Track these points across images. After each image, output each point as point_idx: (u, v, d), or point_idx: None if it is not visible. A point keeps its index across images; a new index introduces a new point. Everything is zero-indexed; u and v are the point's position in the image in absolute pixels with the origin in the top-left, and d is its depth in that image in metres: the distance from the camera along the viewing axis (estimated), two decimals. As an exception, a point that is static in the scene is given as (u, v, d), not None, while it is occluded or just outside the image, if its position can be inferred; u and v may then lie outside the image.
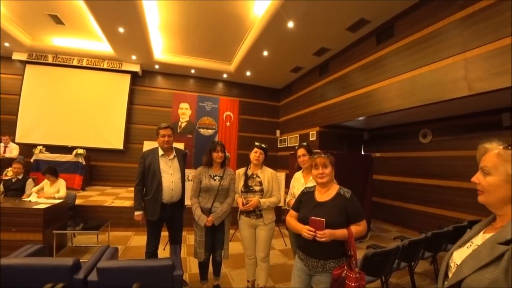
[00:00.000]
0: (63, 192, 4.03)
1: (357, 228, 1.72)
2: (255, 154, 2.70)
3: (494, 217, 0.96)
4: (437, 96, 3.71)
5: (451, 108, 4.34)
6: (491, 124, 4.34)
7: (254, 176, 2.72)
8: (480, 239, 0.94)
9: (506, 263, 0.75)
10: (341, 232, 1.67)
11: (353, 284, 1.52)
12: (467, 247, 0.97)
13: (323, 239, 1.62)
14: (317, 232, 1.64)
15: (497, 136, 4.22)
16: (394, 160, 6.17)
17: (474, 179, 0.96)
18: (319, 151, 5.27)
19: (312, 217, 1.69)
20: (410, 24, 4.30)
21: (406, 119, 5.49)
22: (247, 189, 2.68)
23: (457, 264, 0.93)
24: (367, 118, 5.31)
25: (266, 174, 2.72)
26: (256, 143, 2.75)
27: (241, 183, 2.72)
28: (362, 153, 7.21)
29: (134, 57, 7.45)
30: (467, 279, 0.83)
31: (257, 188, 2.66)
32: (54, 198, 3.89)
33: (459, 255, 0.96)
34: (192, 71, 8.32)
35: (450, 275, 0.95)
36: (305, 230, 1.69)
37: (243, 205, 2.59)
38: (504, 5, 3.01)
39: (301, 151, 2.79)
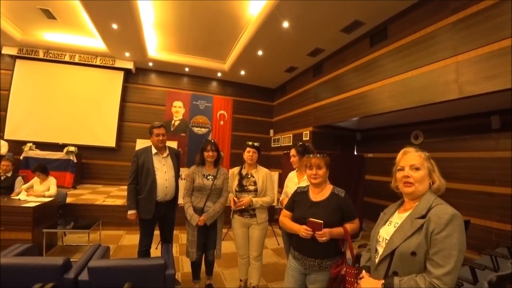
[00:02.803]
0: (53, 190, 3.97)
1: (351, 226, 1.76)
2: (248, 154, 2.71)
3: (402, 201, 1.32)
4: (429, 98, 3.77)
5: (442, 110, 4.41)
6: (480, 126, 4.42)
7: (249, 176, 2.73)
8: (397, 218, 1.28)
9: (425, 231, 1.10)
10: (337, 231, 1.70)
11: (353, 280, 1.53)
12: (388, 225, 1.30)
13: (323, 238, 1.65)
14: (316, 232, 1.66)
15: (487, 138, 4.32)
16: (386, 160, 6.23)
17: (407, 174, 1.25)
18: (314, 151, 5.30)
19: (310, 219, 1.70)
20: (403, 27, 4.35)
21: (398, 120, 5.55)
22: (242, 188, 2.68)
23: (385, 239, 1.25)
24: (360, 119, 5.36)
25: (261, 174, 2.73)
26: (249, 143, 2.75)
27: (236, 182, 2.72)
28: (355, 153, 7.28)
29: (127, 54, 7.36)
30: (399, 247, 1.16)
31: (251, 187, 2.67)
32: (44, 196, 3.83)
33: (384, 232, 1.29)
34: (186, 69, 8.27)
35: (379, 248, 1.28)
36: (303, 230, 1.71)
37: (234, 203, 2.59)
38: (495, 11, 3.07)
39: (292, 152, 2.81)
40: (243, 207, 2.60)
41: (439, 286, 1.02)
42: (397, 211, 1.32)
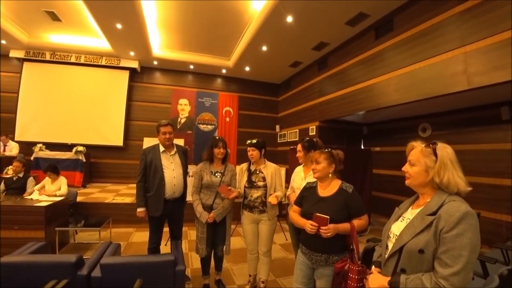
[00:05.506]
0: (64, 189, 4.04)
1: (359, 222, 1.75)
2: (248, 153, 2.74)
3: (417, 196, 1.29)
4: (436, 90, 3.71)
5: (450, 102, 4.34)
6: (490, 118, 4.34)
7: (258, 172, 2.74)
8: (409, 213, 1.26)
9: (434, 228, 1.06)
10: (344, 226, 1.70)
11: (355, 277, 1.54)
12: (401, 221, 1.27)
13: (328, 234, 1.65)
14: (321, 227, 1.67)
15: (496, 130, 4.23)
16: (393, 154, 6.19)
17: (403, 168, 1.27)
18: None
19: (317, 214, 1.71)
20: (409, 18, 4.28)
21: (405, 113, 5.49)
22: (251, 184, 2.70)
23: (396, 235, 1.22)
24: (366, 112, 5.31)
25: (270, 170, 2.74)
26: (247, 142, 2.78)
27: (245, 178, 2.74)
28: (362, 147, 7.23)
29: (132, 53, 7.41)
30: (407, 244, 1.12)
31: (260, 183, 2.69)
32: (55, 195, 3.91)
33: (396, 228, 1.26)
34: (191, 66, 8.29)
35: (389, 244, 1.26)
36: (308, 225, 1.72)
37: (224, 190, 2.63)
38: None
39: (298, 147, 2.82)
40: (233, 196, 2.66)
41: (445, 286, 0.98)
42: (411, 207, 1.29)
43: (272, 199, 2.56)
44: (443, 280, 0.99)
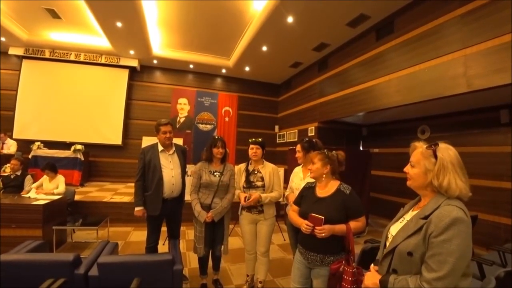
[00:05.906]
0: (62, 188, 4.03)
1: (356, 224, 1.75)
2: (251, 151, 2.73)
3: (420, 198, 1.27)
4: (436, 93, 3.72)
5: (450, 105, 4.35)
6: (489, 120, 4.35)
7: (256, 172, 2.73)
8: (409, 215, 1.25)
9: (424, 232, 1.06)
10: (340, 228, 1.70)
11: (350, 279, 1.54)
12: (400, 222, 1.27)
13: (322, 234, 1.66)
14: (316, 227, 1.68)
15: (496, 133, 4.24)
16: (392, 155, 6.20)
17: (405, 169, 1.27)
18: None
19: (312, 214, 1.72)
20: (410, 20, 4.28)
21: (404, 115, 5.49)
22: (249, 185, 2.69)
23: (392, 235, 1.24)
24: (366, 114, 5.32)
25: (268, 170, 2.74)
26: (250, 140, 2.78)
27: (243, 179, 2.74)
28: (361, 148, 7.24)
29: (132, 52, 7.39)
30: (399, 245, 1.13)
31: (259, 183, 2.68)
32: (53, 194, 3.90)
33: (394, 228, 1.27)
34: (191, 66, 8.28)
35: (387, 243, 1.27)
36: (304, 225, 1.74)
37: (245, 200, 2.60)
38: (504, 2, 3.00)
39: (297, 147, 2.82)
40: (253, 203, 2.61)
41: None
42: (412, 209, 1.29)
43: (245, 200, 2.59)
44: (426, 283, 1.00)
